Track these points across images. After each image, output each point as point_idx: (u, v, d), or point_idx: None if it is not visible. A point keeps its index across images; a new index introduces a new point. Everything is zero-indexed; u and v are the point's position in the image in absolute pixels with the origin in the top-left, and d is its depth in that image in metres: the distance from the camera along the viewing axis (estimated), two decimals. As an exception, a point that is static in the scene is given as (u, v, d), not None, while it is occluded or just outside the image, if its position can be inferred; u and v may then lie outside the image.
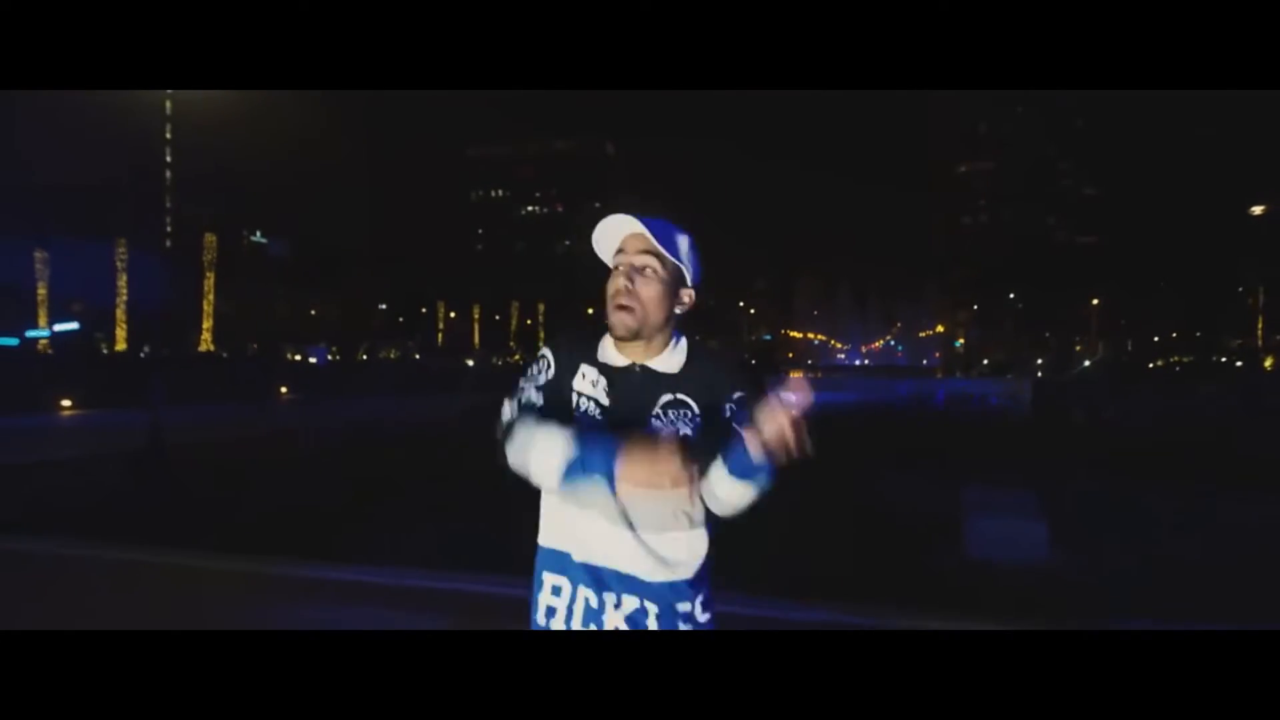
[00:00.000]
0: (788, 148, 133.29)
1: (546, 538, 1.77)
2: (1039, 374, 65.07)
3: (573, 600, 1.71)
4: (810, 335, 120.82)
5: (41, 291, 43.92)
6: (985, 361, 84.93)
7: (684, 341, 1.77)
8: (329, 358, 58.75)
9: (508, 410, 1.73)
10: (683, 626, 1.71)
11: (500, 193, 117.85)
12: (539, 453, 1.63)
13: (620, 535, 1.69)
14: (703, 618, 1.74)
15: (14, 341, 40.27)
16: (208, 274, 53.20)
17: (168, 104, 70.68)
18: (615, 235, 1.74)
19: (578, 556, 1.71)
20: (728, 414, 1.71)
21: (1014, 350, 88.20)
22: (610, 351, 1.77)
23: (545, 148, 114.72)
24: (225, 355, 49.29)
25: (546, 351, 1.78)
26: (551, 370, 1.75)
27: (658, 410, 1.72)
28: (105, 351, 47.42)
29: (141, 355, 45.94)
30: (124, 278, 47.82)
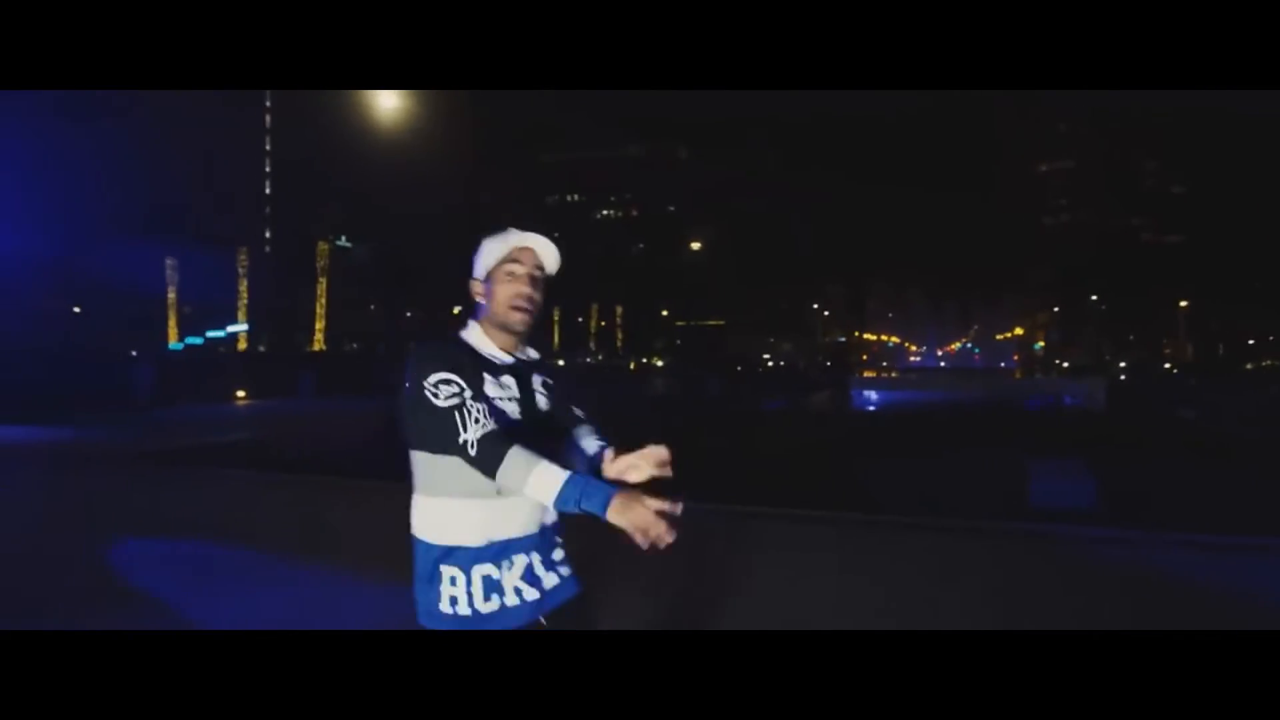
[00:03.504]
0: (863, 150, 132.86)
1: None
2: (1121, 377, 64.40)
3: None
4: (884, 337, 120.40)
5: (171, 296, 47.86)
6: (1065, 364, 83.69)
7: None
8: None
9: (470, 432, 1.70)
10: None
11: (576, 197, 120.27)
12: (536, 474, 1.66)
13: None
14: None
15: (178, 346, 44.53)
16: (320, 279, 56.92)
17: (267, 118, 74.24)
18: (524, 248, 1.92)
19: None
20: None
21: (1096, 353, 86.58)
22: (497, 353, 1.90)
23: (620, 152, 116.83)
24: (333, 354, 52.52)
25: (450, 376, 1.75)
26: (467, 390, 1.74)
27: (540, 389, 1.94)
28: (223, 351, 51.35)
29: (261, 350, 49.59)
30: (244, 283, 51.89)
